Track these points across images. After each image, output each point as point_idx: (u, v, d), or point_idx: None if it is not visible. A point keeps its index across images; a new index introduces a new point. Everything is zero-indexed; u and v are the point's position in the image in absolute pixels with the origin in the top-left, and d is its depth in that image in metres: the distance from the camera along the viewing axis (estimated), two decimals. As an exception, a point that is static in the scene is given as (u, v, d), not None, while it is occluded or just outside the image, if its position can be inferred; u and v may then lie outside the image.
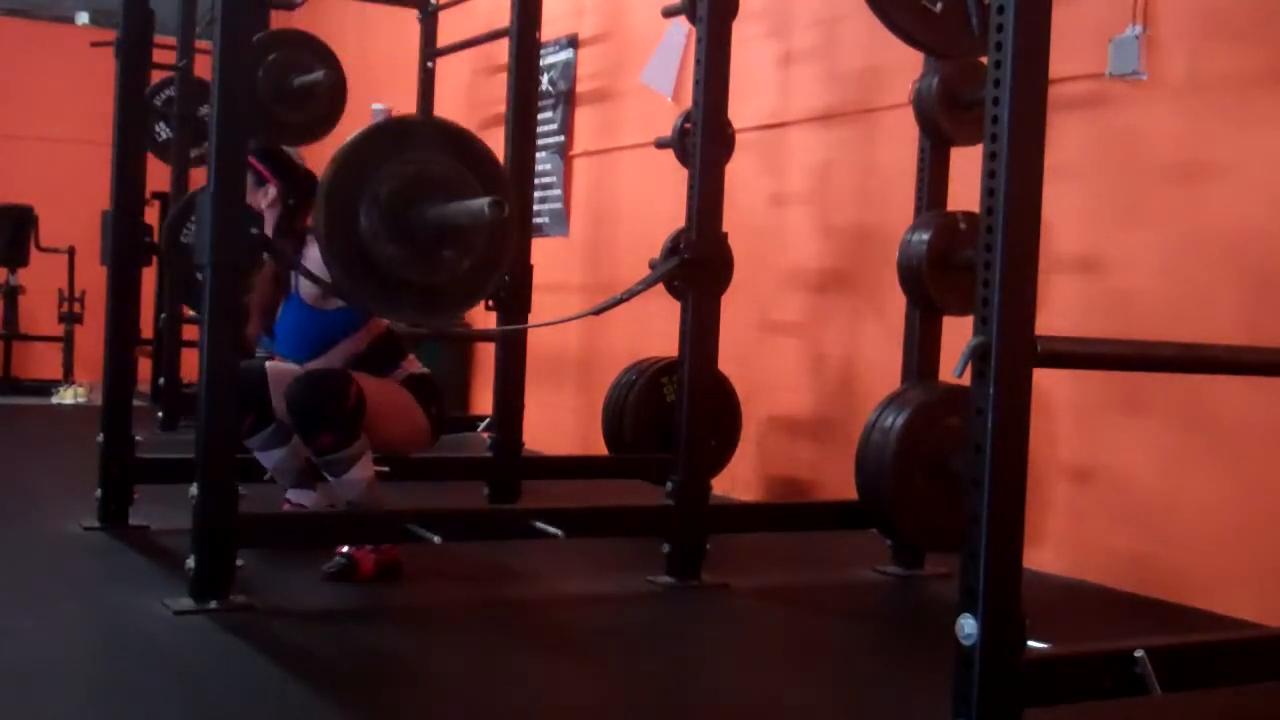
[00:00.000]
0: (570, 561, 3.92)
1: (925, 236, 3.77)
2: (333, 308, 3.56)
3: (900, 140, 4.37)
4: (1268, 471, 3.47)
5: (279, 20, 7.84)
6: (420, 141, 3.21)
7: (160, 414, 6.61)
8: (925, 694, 2.59)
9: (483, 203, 2.99)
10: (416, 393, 3.62)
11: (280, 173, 3.63)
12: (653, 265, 4.00)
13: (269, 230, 3.53)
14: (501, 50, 5.30)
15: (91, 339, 7.19)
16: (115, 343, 3.99)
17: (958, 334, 3.57)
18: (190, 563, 3.05)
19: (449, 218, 3.11)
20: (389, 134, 3.26)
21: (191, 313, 6.50)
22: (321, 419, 3.38)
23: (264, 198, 3.60)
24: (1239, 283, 3.57)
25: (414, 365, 3.70)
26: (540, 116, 5.43)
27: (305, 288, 3.55)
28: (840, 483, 4.26)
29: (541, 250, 5.11)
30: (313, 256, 3.46)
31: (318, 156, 3.61)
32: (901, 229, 3.88)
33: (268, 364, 3.66)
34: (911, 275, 3.79)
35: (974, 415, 2.04)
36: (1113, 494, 3.88)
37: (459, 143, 3.26)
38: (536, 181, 5.28)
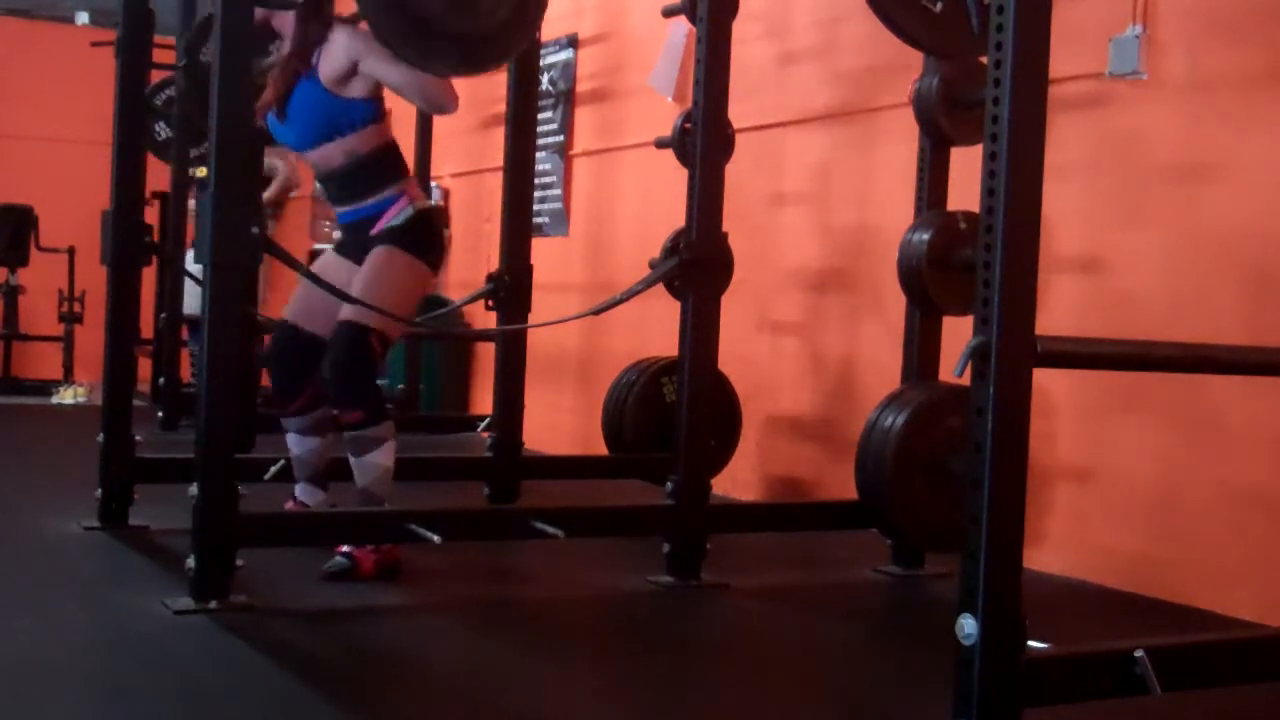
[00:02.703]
0: (570, 561, 3.92)
1: (925, 236, 3.77)
2: (346, 95, 3.50)
3: (900, 140, 4.37)
4: (1268, 471, 3.47)
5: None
6: None
7: (160, 414, 6.61)
8: (925, 694, 2.59)
9: None
10: (413, 246, 3.55)
11: None
12: (653, 265, 4.00)
13: (294, 18, 3.51)
14: (501, 50, 5.29)
15: (91, 339, 7.19)
16: (115, 343, 3.99)
17: (958, 334, 3.58)
18: (190, 563, 3.05)
19: None
20: None
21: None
22: (355, 396, 3.43)
23: None
24: (1239, 283, 3.57)
25: (415, 193, 3.62)
26: (540, 116, 5.42)
27: (326, 67, 3.48)
28: (840, 483, 4.26)
29: (541, 250, 5.11)
30: (339, 39, 3.45)
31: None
32: (901, 229, 3.88)
33: (289, 315, 3.66)
34: (911, 275, 3.80)
35: (974, 415, 2.04)
36: (1113, 494, 3.88)
37: None
38: (536, 181, 5.28)
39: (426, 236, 3.61)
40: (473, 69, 3.58)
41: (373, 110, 3.55)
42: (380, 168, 3.58)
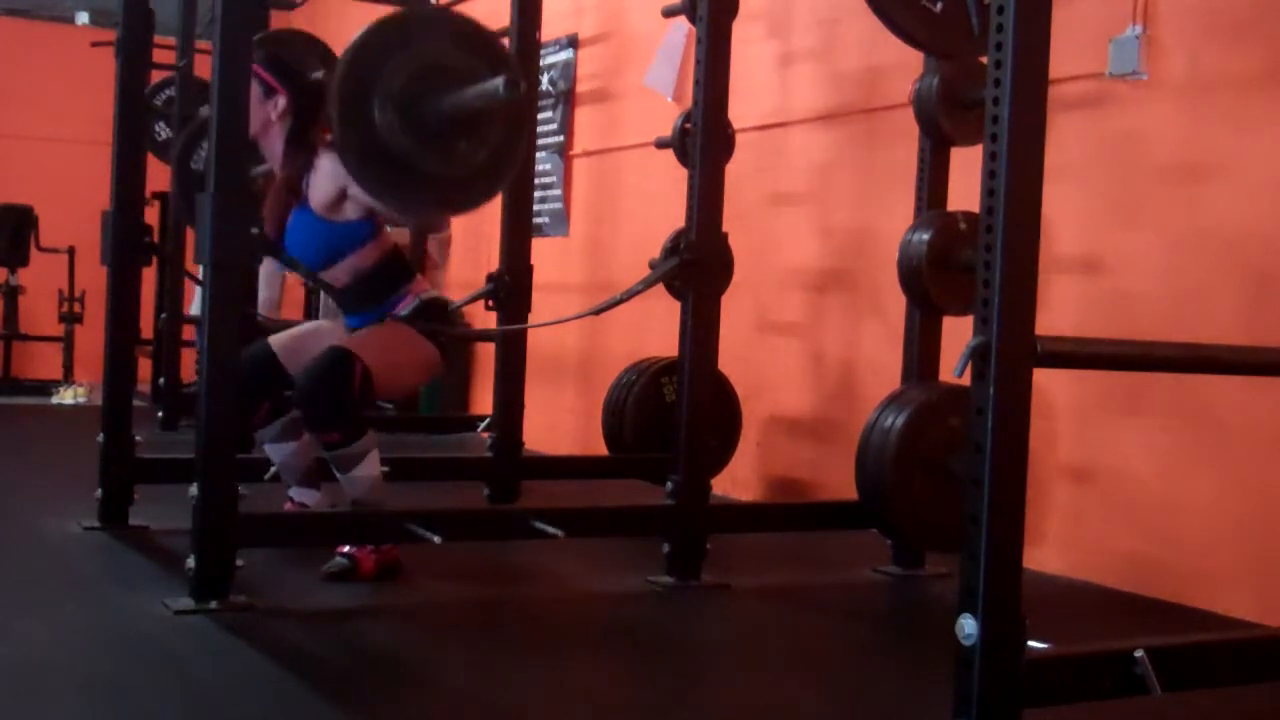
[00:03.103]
0: (570, 561, 3.92)
1: (925, 236, 3.77)
2: (341, 219, 3.51)
3: (900, 140, 4.37)
4: (1268, 471, 3.47)
5: (279, 20, 7.85)
6: (426, 33, 3.19)
7: (160, 414, 6.61)
8: (925, 694, 2.59)
9: (497, 83, 2.97)
10: (424, 318, 3.57)
11: (289, 82, 3.52)
12: (653, 265, 4.00)
13: (279, 143, 3.51)
14: (501, 50, 5.29)
15: (91, 339, 7.19)
16: (115, 343, 3.99)
17: (958, 334, 3.58)
18: (190, 563, 3.05)
19: (463, 103, 3.08)
20: (394, 28, 3.22)
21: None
22: (329, 416, 3.36)
23: (273, 109, 3.50)
24: (1239, 283, 3.57)
25: (423, 287, 3.65)
26: (540, 116, 5.44)
27: (316, 197, 3.49)
28: (840, 483, 4.26)
29: (541, 250, 5.11)
30: (324, 167, 3.45)
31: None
32: (901, 229, 3.88)
33: (273, 343, 3.64)
34: (911, 275, 3.80)
35: (974, 415, 2.04)
36: (1113, 494, 3.88)
37: (465, 31, 3.25)
38: (536, 181, 5.28)
39: (435, 317, 3.61)
40: (452, 212, 3.64)
41: (370, 228, 3.55)
42: (386, 277, 3.60)
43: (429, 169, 3.15)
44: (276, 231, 3.57)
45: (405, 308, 3.58)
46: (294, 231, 3.56)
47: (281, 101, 3.51)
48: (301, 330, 3.72)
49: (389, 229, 3.69)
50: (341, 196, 3.47)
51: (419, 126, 3.10)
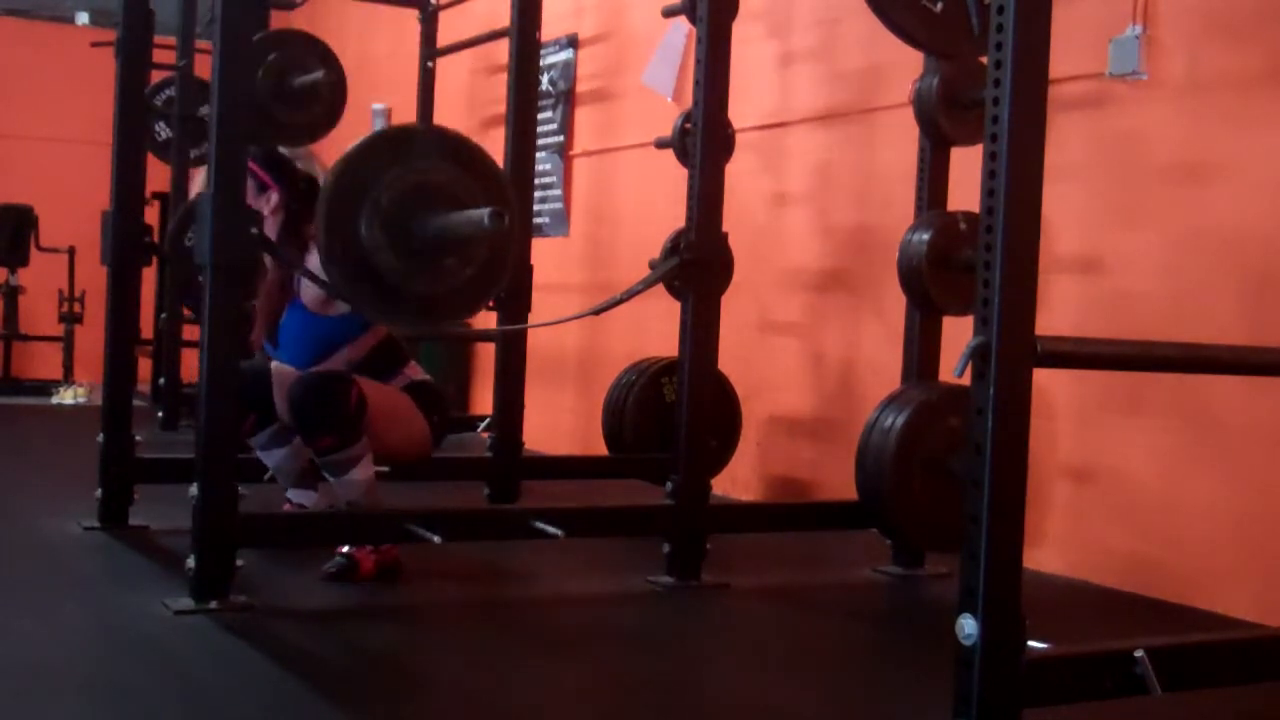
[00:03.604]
0: (570, 561, 3.92)
1: (925, 236, 3.77)
2: (335, 314, 3.55)
3: (900, 140, 4.37)
4: (1268, 471, 3.47)
5: (279, 20, 7.85)
6: (421, 149, 3.19)
7: (160, 414, 6.61)
8: (925, 694, 2.59)
9: (483, 213, 2.99)
10: (418, 399, 3.62)
11: (282, 179, 3.61)
12: (653, 265, 4.00)
13: (271, 237, 3.53)
14: (501, 50, 5.30)
15: (91, 339, 7.19)
16: (115, 343, 3.99)
17: (958, 334, 3.58)
18: (190, 563, 3.05)
19: (450, 228, 3.10)
20: (389, 142, 3.24)
21: (190, 314, 6.50)
22: (323, 420, 3.37)
23: (266, 204, 3.56)
24: (1239, 283, 3.57)
25: (416, 371, 3.69)
26: (540, 116, 5.43)
27: (308, 294, 3.55)
28: (840, 483, 4.26)
29: (541, 250, 5.11)
30: (315, 263, 3.45)
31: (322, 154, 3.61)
32: (901, 229, 3.88)
33: (272, 364, 3.66)
34: (911, 275, 3.80)
35: (974, 415, 2.04)
36: (1113, 494, 3.88)
37: (460, 150, 3.25)
38: (536, 181, 5.28)
39: (428, 398, 3.64)
40: (435, 326, 3.64)
41: (362, 322, 3.57)
42: (383, 362, 3.62)
43: (413, 286, 3.15)
44: (269, 331, 3.64)
45: (398, 385, 3.62)
46: (286, 330, 3.62)
47: (275, 197, 3.58)
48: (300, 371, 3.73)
49: None
50: None
51: (405, 245, 3.09)
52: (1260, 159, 3.53)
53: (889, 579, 3.90)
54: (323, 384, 3.40)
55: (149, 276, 6.10)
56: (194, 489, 3.03)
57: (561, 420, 6.37)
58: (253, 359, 3.69)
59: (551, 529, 3.50)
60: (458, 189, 3.16)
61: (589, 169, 6.69)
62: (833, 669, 3.02)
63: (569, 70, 6.82)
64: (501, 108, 4.94)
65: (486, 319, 5.41)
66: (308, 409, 3.38)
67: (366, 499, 3.47)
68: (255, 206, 3.45)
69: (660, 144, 5.12)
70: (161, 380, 6.81)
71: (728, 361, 4.29)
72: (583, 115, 6.75)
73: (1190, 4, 3.73)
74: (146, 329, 6.66)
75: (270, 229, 3.54)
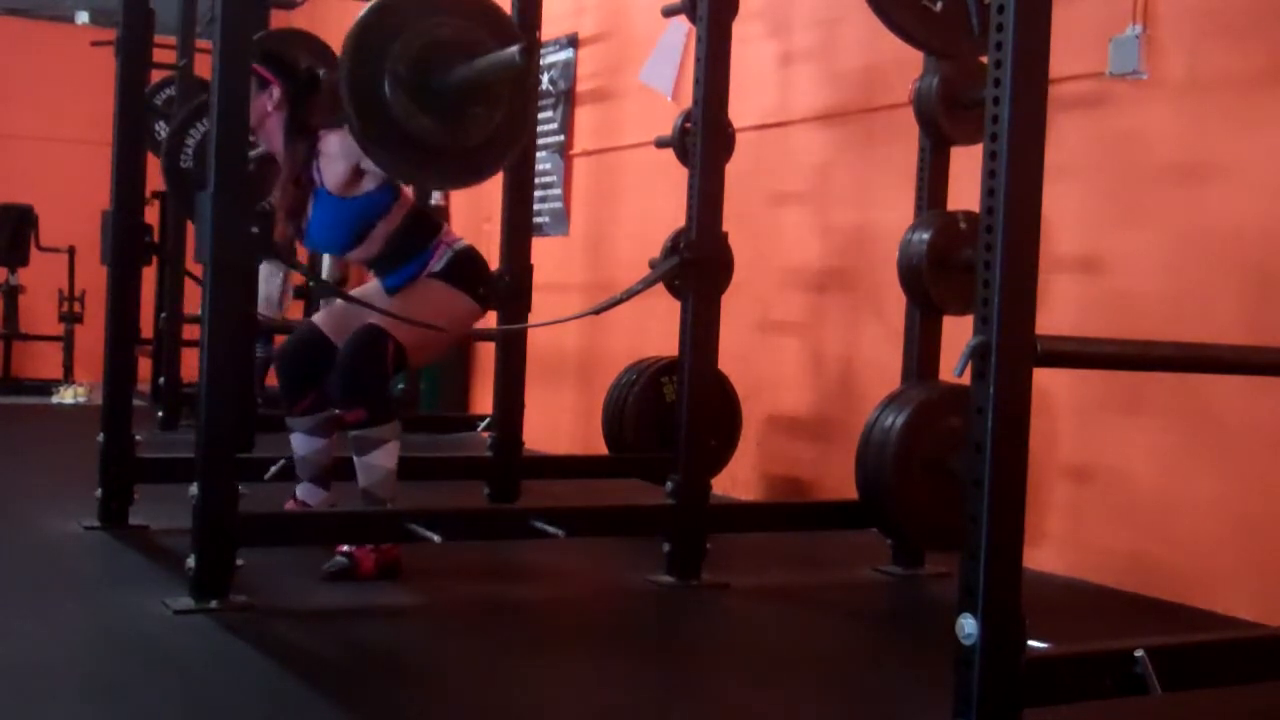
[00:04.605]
0: (570, 561, 3.92)
1: (925, 236, 3.77)
2: (361, 193, 3.55)
3: (900, 140, 4.37)
4: (1268, 471, 3.47)
5: (279, 20, 7.84)
6: (417, 10, 3.20)
7: (160, 414, 6.61)
8: (925, 694, 2.59)
9: (513, 51, 3.00)
10: (458, 280, 3.61)
11: (282, 73, 3.57)
12: (653, 265, 4.00)
13: (279, 134, 3.55)
14: (501, 50, 5.29)
15: (91, 339, 7.19)
16: (115, 343, 3.99)
17: (958, 334, 3.57)
18: (190, 563, 3.05)
19: (478, 74, 3.12)
20: (383, 14, 3.22)
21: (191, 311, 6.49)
22: (360, 390, 3.40)
23: (269, 100, 3.54)
24: (1239, 282, 3.57)
25: (451, 237, 3.69)
26: (540, 116, 5.44)
27: (331, 179, 3.54)
28: (840, 483, 4.26)
29: (541, 250, 5.11)
30: (332, 149, 3.51)
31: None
32: (901, 229, 3.88)
33: (317, 321, 3.69)
34: (911, 275, 3.80)
35: (974, 415, 2.04)
36: (1113, 494, 3.88)
37: (454, 1, 3.27)
38: (536, 181, 5.27)
39: (470, 272, 3.66)
40: (462, 184, 3.69)
41: (390, 193, 3.60)
42: (415, 232, 3.63)
43: (451, 143, 3.19)
44: (292, 227, 3.61)
45: (439, 260, 3.62)
46: (318, 219, 3.60)
47: (276, 92, 3.56)
48: (343, 304, 3.74)
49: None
50: (356, 171, 3.52)
51: (434, 103, 3.13)
52: (1260, 159, 3.53)
53: (889, 579, 3.90)
54: (360, 348, 3.41)
55: (149, 276, 6.11)
56: (194, 489, 3.03)
57: (561, 420, 6.37)
58: (286, 256, 3.65)
59: (552, 529, 3.51)
60: (465, 38, 3.18)
61: (589, 168, 6.69)
62: (833, 669, 3.02)
63: (569, 69, 6.82)
64: (501, 107, 4.94)
65: (487, 319, 5.41)
66: (348, 374, 3.41)
67: (382, 489, 3.46)
68: (258, 106, 3.48)
69: (660, 143, 5.12)
70: (161, 380, 6.80)
71: (728, 361, 4.29)
72: (583, 115, 6.75)
73: (1190, 4, 3.73)
74: (146, 329, 6.66)
75: (275, 126, 3.56)
